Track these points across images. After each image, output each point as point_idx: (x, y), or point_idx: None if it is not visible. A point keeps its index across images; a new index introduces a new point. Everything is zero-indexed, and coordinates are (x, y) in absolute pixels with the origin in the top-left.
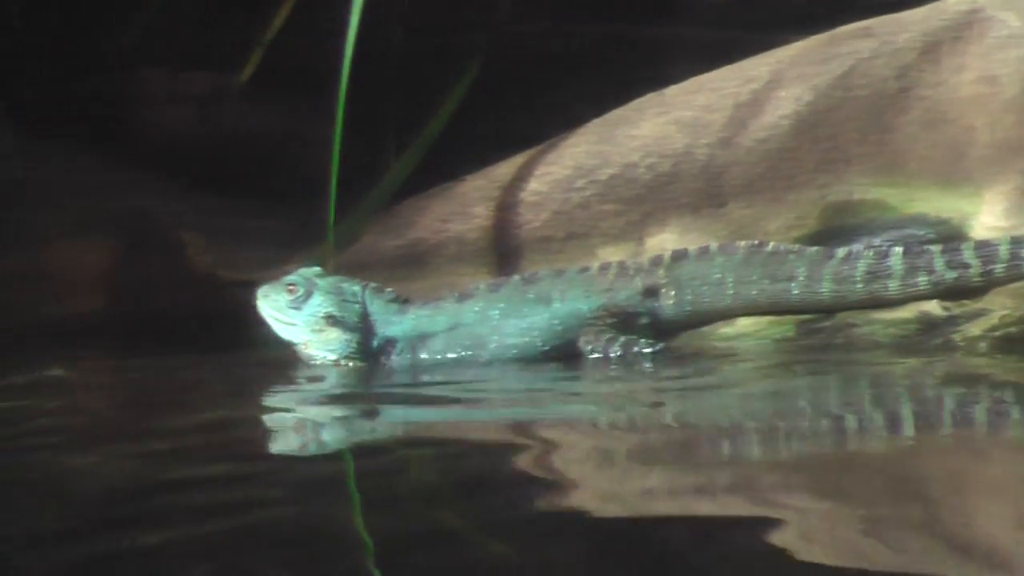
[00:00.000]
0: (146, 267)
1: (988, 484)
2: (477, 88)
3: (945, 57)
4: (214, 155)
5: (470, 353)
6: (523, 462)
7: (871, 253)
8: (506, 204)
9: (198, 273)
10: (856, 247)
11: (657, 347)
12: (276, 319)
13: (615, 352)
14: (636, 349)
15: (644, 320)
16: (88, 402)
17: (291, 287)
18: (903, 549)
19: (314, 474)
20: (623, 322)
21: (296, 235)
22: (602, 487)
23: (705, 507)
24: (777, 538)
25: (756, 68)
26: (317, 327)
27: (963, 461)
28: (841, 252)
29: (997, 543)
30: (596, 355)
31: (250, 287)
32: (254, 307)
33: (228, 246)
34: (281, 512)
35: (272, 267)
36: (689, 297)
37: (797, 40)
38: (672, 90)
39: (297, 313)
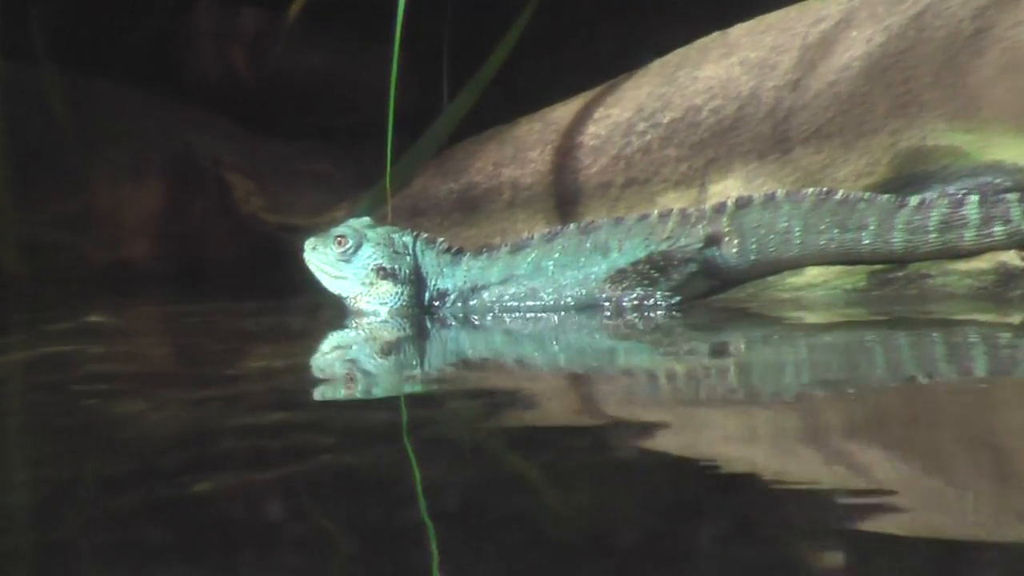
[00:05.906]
0: (193, 211)
1: None
2: (535, 28)
3: None
4: (264, 95)
5: (525, 304)
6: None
7: (945, 202)
8: (563, 148)
9: (246, 217)
10: (929, 195)
11: (674, 300)
12: (325, 272)
13: (629, 302)
14: (651, 301)
15: (692, 268)
16: (136, 348)
17: (340, 239)
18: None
19: (371, 421)
20: (663, 270)
21: (346, 179)
22: None
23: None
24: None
25: (827, 7)
26: (368, 280)
27: None
28: (914, 200)
29: None
30: (608, 303)
31: (299, 232)
32: (302, 252)
33: (277, 190)
34: (337, 459)
35: (322, 211)
36: (754, 246)
37: None
38: (737, 30)
39: (347, 266)
